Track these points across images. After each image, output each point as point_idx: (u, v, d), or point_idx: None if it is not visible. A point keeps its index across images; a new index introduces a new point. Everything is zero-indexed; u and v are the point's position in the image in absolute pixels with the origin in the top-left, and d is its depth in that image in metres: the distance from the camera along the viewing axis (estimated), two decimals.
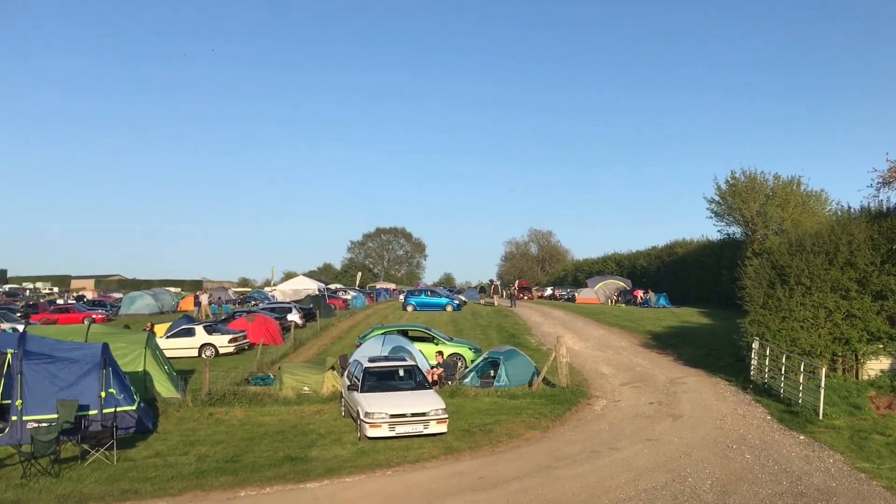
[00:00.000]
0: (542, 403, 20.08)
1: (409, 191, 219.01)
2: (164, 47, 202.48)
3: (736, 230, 57.30)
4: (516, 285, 72.76)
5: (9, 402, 15.47)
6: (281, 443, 15.84)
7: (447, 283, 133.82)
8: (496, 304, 60.08)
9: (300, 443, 15.85)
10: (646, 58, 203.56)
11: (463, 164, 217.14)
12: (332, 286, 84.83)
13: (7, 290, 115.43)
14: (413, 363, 19.23)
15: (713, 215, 57.81)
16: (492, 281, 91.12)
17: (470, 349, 27.15)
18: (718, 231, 60.87)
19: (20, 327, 38.14)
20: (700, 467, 13.97)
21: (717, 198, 56.79)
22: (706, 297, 59.24)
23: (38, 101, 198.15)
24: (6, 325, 38.62)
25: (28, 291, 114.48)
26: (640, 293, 63.77)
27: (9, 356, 15.62)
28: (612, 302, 65.31)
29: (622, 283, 72.75)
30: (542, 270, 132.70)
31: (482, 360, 23.31)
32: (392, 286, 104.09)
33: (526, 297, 72.74)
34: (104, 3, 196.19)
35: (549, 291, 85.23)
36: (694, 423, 18.08)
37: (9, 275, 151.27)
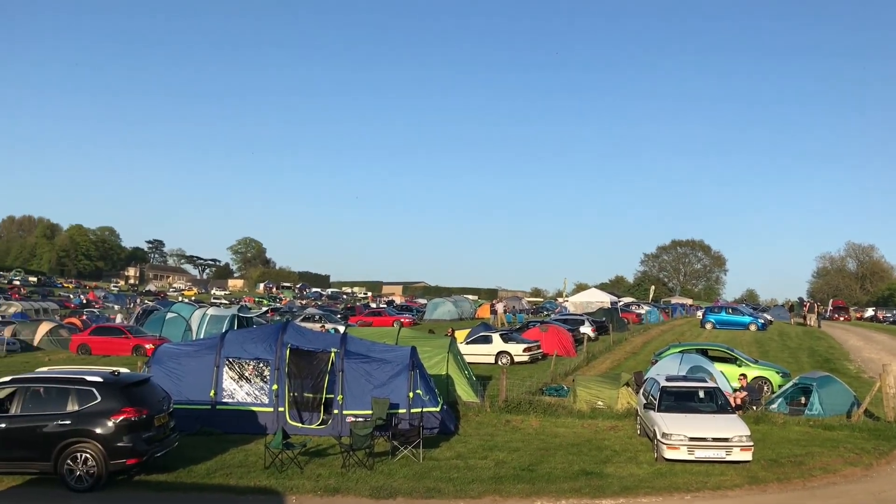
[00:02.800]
0: (863, 437, 18.01)
1: (709, 201, 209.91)
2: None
3: None
4: (830, 304, 66.45)
5: (331, 396, 17.08)
6: (576, 456, 15.79)
7: (749, 299, 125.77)
8: (810, 324, 55.23)
9: (595, 458, 15.69)
10: None
11: (769, 172, 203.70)
12: (625, 299, 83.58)
13: (329, 293, 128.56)
14: (714, 385, 18.22)
15: None
16: (801, 299, 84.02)
17: (777, 373, 25.21)
18: None
19: (341, 328, 42.19)
20: None
21: None
22: None
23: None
24: (329, 326, 42.90)
25: (346, 295, 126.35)
26: None
27: (332, 355, 17.26)
28: None
29: None
30: (861, 289, 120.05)
31: (791, 386, 21.49)
32: (688, 301, 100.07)
33: (842, 318, 66.14)
34: None
35: (870, 312, 76.89)
36: None
37: (331, 280, 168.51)
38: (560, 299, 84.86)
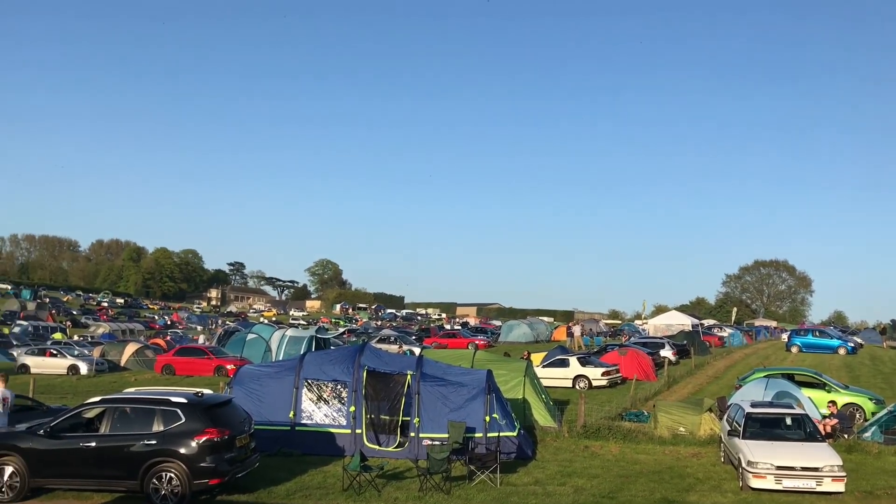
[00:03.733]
0: None
1: (792, 220, 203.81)
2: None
3: None
4: None
5: (408, 418, 17.09)
6: (657, 483, 15.37)
7: (837, 321, 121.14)
8: None
9: (677, 486, 15.24)
10: None
11: (857, 189, 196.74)
12: (706, 322, 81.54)
13: (404, 314, 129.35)
14: (802, 411, 17.51)
15: None
16: (894, 321, 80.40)
17: (870, 399, 24.12)
18: None
19: (416, 350, 42.37)
20: None
21: None
22: None
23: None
24: (405, 347, 43.09)
25: (420, 317, 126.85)
26: None
27: (409, 377, 17.28)
28: None
29: None
30: None
31: (886, 414, 20.49)
32: (773, 324, 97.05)
33: None
34: None
35: None
36: None
37: (405, 301, 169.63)
38: (639, 321, 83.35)
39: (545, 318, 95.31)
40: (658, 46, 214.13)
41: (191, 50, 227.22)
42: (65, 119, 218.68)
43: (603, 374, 31.84)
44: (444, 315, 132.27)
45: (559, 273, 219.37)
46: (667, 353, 41.27)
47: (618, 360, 34.75)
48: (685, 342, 46.69)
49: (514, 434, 17.17)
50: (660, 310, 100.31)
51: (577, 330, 56.38)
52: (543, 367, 31.92)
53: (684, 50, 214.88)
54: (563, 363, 32.43)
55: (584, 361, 32.80)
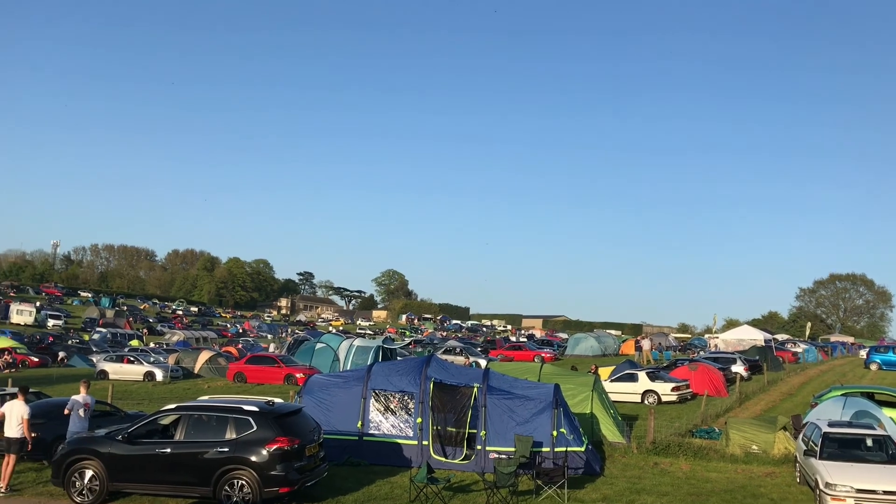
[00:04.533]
0: None
1: (870, 233, 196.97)
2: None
3: None
4: None
5: (474, 431, 17.08)
6: (728, 503, 15.01)
7: None
8: None
9: None
10: None
11: None
12: (779, 337, 79.29)
13: (469, 325, 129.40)
14: (884, 432, 16.86)
15: None
16: None
17: None
18: None
19: (482, 361, 42.32)
20: None
21: None
22: None
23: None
24: (471, 359, 43.08)
25: (485, 328, 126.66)
26: None
27: (475, 390, 17.28)
28: None
29: None
30: None
31: None
32: (850, 340, 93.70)
33: None
34: None
35: None
36: None
37: (471, 312, 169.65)
38: (709, 336, 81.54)
39: (612, 332, 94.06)
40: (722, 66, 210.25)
41: (264, 61, 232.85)
42: (141, 132, 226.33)
43: (673, 390, 31.24)
44: (509, 327, 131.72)
45: (627, 285, 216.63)
46: (738, 368, 40.30)
47: (688, 376, 34.04)
48: (757, 357, 45.50)
49: (582, 449, 16.99)
50: (731, 324, 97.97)
51: (646, 344, 55.45)
52: (611, 381, 31.49)
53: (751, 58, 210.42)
54: (632, 378, 31.94)
55: (653, 376, 32.24)
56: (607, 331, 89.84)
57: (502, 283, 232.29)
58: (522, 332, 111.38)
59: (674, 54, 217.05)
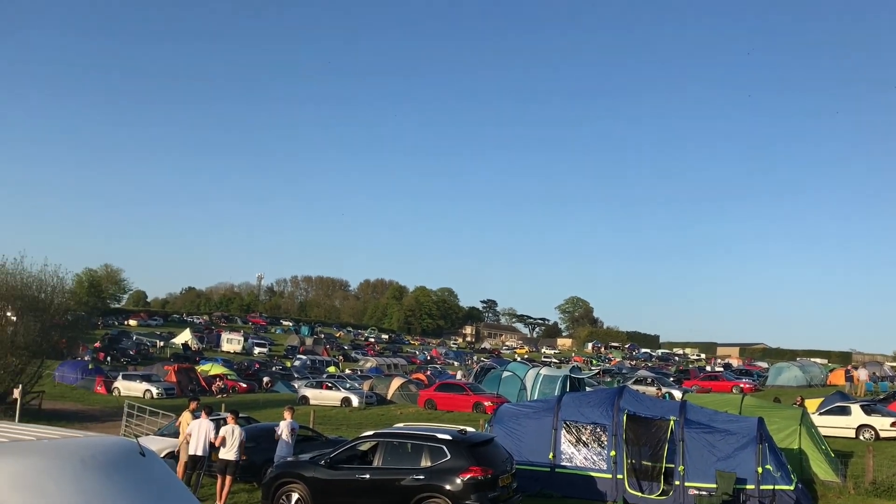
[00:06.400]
0: None
1: None
2: None
3: None
4: None
5: (671, 465, 16.36)
6: None
7: None
8: None
9: None
10: None
11: None
12: None
13: (660, 354, 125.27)
14: None
15: None
16: None
17: None
18: None
19: (675, 392, 40.78)
20: None
21: None
22: None
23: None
24: (664, 390, 41.55)
25: (678, 357, 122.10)
26: None
27: (671, 423, 16.57)
28: None
29: None
30: None
31: None
32: None
33: None
34: None
35: None
36: None
37: (661, 340, 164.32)
38: None
39: (818, 360, 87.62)
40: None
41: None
42: (337, 176, 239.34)
43: (893, 425, 28.44)
44: (703, 355, 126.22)
45: (833, 309, 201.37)
46: None
47: None
48: None
49: (791, 488, 15.78)
50: None
51: (861, 374, 50.94)
52: (820, 414, 29.18)
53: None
54: (844, 411, 29.43)
55: (868, 409, 29.54)
56: (812, 359, 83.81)
57: (694, 309, 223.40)
58: (718, 360, 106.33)
59: None
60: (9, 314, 32.05)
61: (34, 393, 32.40)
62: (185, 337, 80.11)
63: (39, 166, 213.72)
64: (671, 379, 53.97)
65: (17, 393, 23.44)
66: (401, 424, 15.59)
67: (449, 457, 13.31)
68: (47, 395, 35.80)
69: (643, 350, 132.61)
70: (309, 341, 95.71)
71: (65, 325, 36.78)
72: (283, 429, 16.61)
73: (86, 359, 54.23)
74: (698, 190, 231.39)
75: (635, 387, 40.42)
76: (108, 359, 60.51)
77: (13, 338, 31.10)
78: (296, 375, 56.91)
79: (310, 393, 42.15)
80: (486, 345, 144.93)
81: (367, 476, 13.73)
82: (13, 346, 30.93)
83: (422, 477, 13.28)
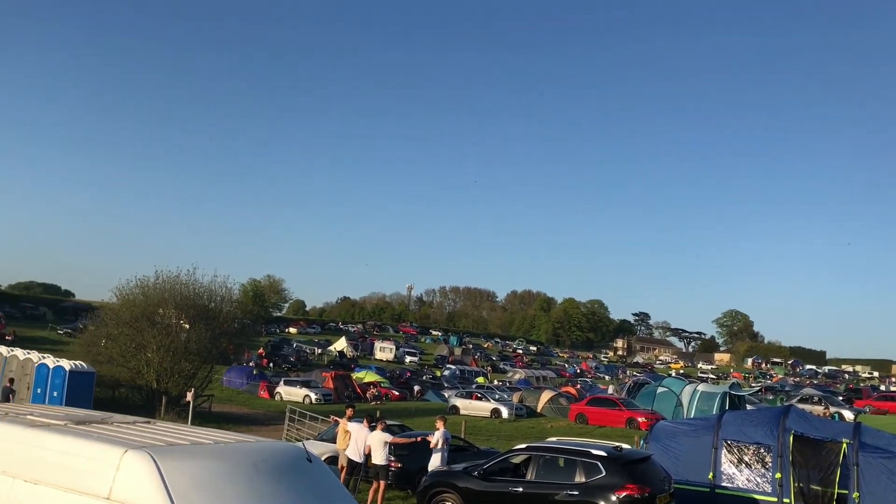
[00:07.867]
0: None
1: None
2: None
3: None
4: None
5: (845, 492, 15.29)
6: None
7: None
8: None
9: None
10: None
11: None
12: None
13: (826, 371, 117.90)
14: None
15: None
16: None
17: None
18: None
19: (844, 413, 38.21)
20: None
21: None
22: None
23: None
24: (832, 409, 39.01)
25: (847, 374, 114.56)
26: None
27: (844, 445, 15.50)
28: None
29: None
30: None
31: None
32: None
33: None
34: None
35: None
36: None
37: (827, 356, 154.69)
38: None
39: None
40: None
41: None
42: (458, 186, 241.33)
43: None
44: (875, 373, 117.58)
45: None
46: None
47: None
48: None
49: None
50: None
51: None
52: None
53: None
54: None
55: None
56: None
57: (865, 322, 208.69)
58: (893, 379, 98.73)
59: None
60: (182, 322, 34.32)
61: (205, 396, 34.49)
62: (341, 344, 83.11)
63: (208, 183, 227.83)
64: (840, 398, 50.65)
65: (189, 396, 24.94)
66: (553, 438, 15.44)
67: (604, 473, 13.03)
68: (216, 398, 38.02)
69: (808, 366, 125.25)
70: (458, 351, 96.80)
71: (232, 332, 38.94)
72: (438, 438, 16.84)
73: (250, 364, 57.16)
74: (873, 197, 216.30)
75: (801, 405, 38.17)
76: (271, 364, 63.55)
77: (186, 344, 33.30)
78: (446, 385, 57.60)
79: (460, 403, 42.45)
80: (639, 359, 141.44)
81: (521, 489, 13.66)
82: (186, 352, 33.13)
83: (576, 493, 13.07)
